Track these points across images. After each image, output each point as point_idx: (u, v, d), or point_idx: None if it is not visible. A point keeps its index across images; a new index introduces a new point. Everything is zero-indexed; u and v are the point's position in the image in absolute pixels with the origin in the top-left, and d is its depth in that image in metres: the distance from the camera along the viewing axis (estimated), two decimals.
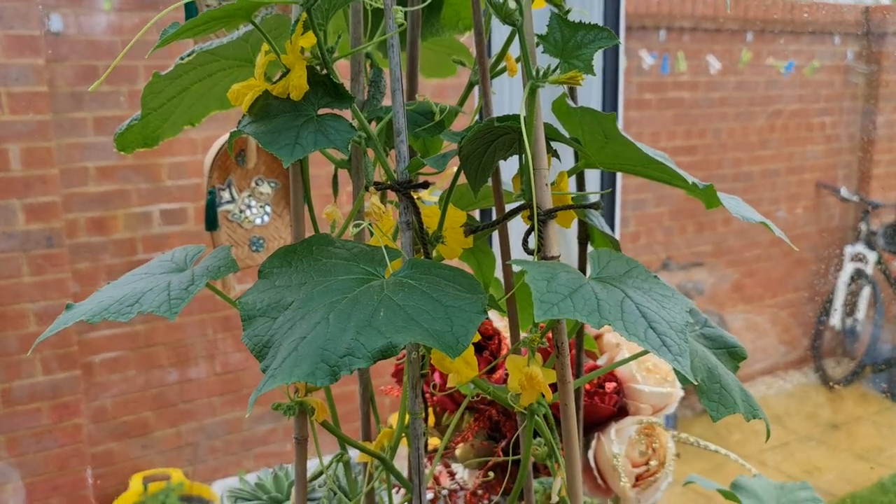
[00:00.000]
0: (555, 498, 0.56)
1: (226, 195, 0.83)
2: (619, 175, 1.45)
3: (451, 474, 0.89)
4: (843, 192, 3.97)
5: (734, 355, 0.59)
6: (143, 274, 0.57)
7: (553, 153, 0.51)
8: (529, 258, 0.49)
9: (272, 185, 0.84)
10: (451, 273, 0.49)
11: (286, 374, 0.42)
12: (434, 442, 1.01)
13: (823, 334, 3.78)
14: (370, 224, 0.54)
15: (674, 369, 0.54)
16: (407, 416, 0.67)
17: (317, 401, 0.58)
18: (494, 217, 0.64)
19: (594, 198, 0.51)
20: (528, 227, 0.50)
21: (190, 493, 2.74)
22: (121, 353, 2.70)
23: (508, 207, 0.55)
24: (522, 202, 0.50)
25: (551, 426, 0.57)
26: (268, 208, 0.86)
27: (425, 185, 0.54)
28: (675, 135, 3.72)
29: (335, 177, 0.71)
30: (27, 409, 2.49)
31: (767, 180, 3.95)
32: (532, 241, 0.49)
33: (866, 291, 3.63)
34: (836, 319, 3.74)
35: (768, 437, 0.58)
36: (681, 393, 0.91)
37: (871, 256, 3.62)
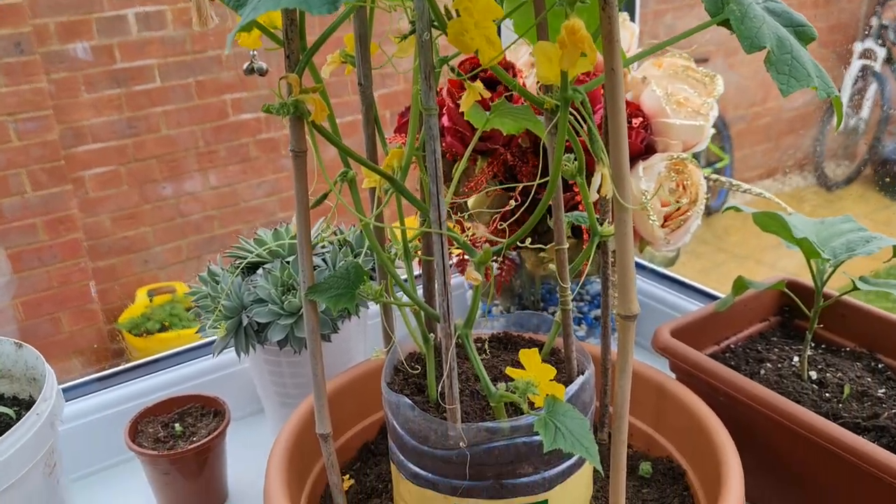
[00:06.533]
0: (594, 196, 0.49)
1: None
2: None
3: (462, 226, 0.83)
4: None
5: (802, 35, 0.51)
6: None
7: None
8: None
9: None
10: None
11: (272, 2, 0.34)
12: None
13: (825, 135, 3.69)
14: None
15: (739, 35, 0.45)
16: (418, 135, 0.59)
17: (314, 98, 0.50)
18: None
19: None
20: None
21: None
22: (111, 168, 2.62)
23: None
24: None
25: (588, 113, 0.49)
26: None
27: None
28: None
29: None
30: (22, 226, 2.44)
31: None
32: None
33: (873, 89, 3.50)
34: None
35: (839, 125, 0.50)
36: (712, 130, 0.83)
37: (881, 52, 3.45)
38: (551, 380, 0.50)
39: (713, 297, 1.01)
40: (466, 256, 0.94)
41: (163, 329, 2.59)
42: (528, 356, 0.50)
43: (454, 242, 0.58)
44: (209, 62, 2.69)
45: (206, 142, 2.78)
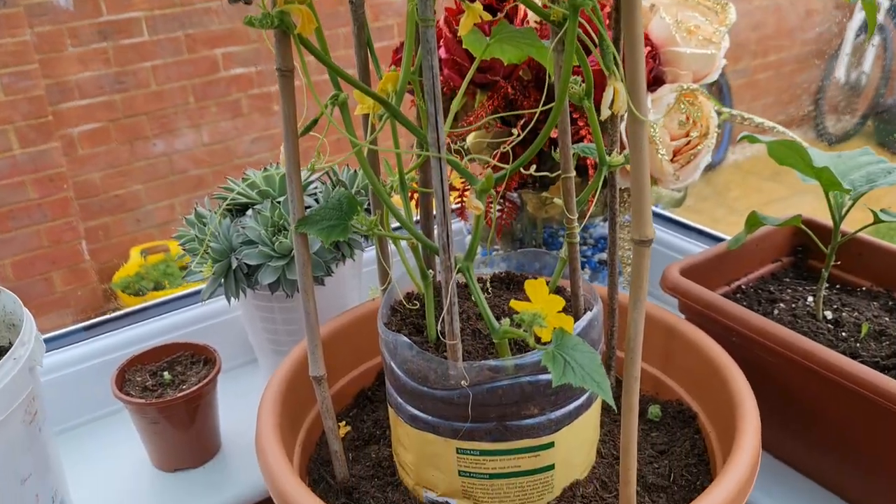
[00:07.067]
0: (605, 113, 0.45)
1: None
2: None
3: (460, 155, 0.79)
4: None
5: None
6: None
7: None
8: None
9: None
10: None
11: None
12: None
13: (827, 89, 3.62)
14: None
15: None
16: (415, 56, 0.55)
17: (300, 8, 0.46)
18: None
19: None
20: None
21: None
22: (100, 125, 2.56)
23: None
24: None
25: (599, 19, 0.45)
26: None
27: None
28: None
29: None
30: (11, 184, 2.39)
31: None
32: None
33: (875, 41, 3.43)
34: (841, 73, 3.57)
35: (871, 32, 0.46)
36: (724, 61, 0.79)
37: (884, 3, 3.37)
38: (559, 311, 0.46)
39: (720, 241, 0.97)
40: (465, 201, 0.90)
41: (157, 288, 2.55)
42: (535, 287, 0.46)
43: (453, 170, 0.54)
44: (199, 14, 2.62)
45: (198, 97, 2.72)
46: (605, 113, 0.45)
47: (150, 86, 2.62)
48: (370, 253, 0.93)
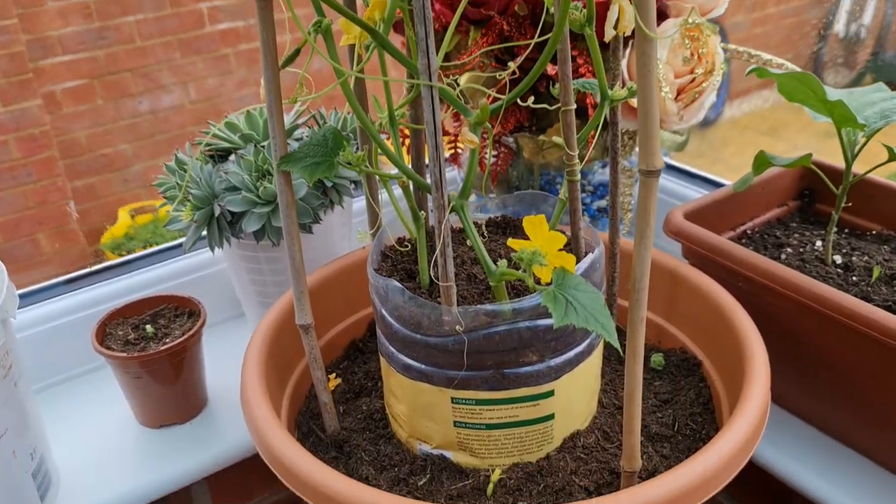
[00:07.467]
0: (610, 34, 0.42)
1: None
2: None
3: (452, 88, 0.75)
4: None
5: None
6: None
7: None
8: None
9: None
10: None
11: None
12: None
13: (826, 42, 3.56)
14: None
15: None
16: None
17: None
18: None
19: None
20: None
21: None
22: (83, 82, 2.50)
23: None
24: None
25: None
26: None
27: None
28: None
29: None
30: None
31: None
32: None
33: None
34: (840, 25, 3.51)
35: None
36: None
37: None
38: (561, 249, 0.43)
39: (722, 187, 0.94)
40: (460, 148, 0.86)
41: (146, 248, 2.51)
42: (535, 224, 0.43)
43: (446, 110, 0.51)
44: None
45: (183, 53, 2.65)
46: (610, 34, 0.41)
47: (135, 41, 2.55)
48: (360, 203, 0.89)
